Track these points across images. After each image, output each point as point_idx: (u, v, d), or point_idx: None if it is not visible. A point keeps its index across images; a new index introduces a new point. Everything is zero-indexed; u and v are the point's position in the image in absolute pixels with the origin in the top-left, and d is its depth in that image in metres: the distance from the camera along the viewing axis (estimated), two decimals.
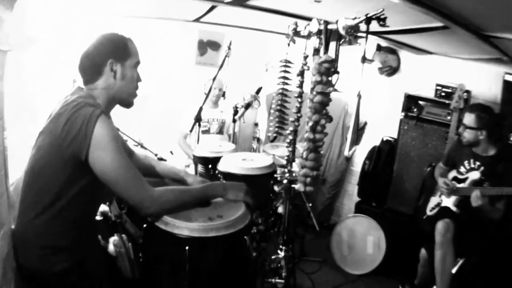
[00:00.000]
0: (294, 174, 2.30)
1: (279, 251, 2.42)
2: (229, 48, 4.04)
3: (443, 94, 4.25)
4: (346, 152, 1.73)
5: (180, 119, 5.10)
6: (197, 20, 4.93)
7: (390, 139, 4.88)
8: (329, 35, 1.88)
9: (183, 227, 1.85)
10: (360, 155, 5.37)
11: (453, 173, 3.66)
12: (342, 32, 1.70)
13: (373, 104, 5.30)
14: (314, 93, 1.79)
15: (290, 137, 2.44)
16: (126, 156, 1.88)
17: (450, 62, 4.51)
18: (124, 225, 2.50)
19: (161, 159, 3.84)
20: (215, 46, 6.29)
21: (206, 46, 6.25)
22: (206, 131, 5.16)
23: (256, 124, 6.77)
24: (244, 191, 2.20)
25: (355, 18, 1.65)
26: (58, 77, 3.17)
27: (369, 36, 4.10)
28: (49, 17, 2.97)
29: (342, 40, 1.77)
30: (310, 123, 1.81)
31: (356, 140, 1.80)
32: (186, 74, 6.05)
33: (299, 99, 2.34)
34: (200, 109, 3.90)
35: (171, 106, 5.65)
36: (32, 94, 2.71)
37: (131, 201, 1.86)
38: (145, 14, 5.02)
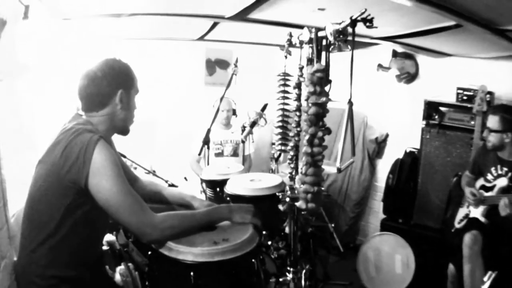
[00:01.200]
0: (296, 192, 2.34)
1: (287, 273, 2.44)
2: (235, 66, 4.10)
3: (465, 97, 4.23)
4: (338, 164, 1.76)
5: (192, 143, 5.13)
6: (201, 38, 5.03)
7: (413, 150, 4.89)
8: (320, 42, 1.93)
9: (187, 253, 1.88)
10: (383, 169, 5.40)
11: (480, 182, 3.66)
12: (331, 38, 1.75)
13: (393, 115, 5.34)
14: (309, 104, 1.84)
15: (292, 153, 2.50)
16: (127, 182, 1.93)
17: (470, 63, 4.52)
18: (130, 254, 2.57)
19: (172, 185, 3.91)
20: (223, 64, 6.38)
21: (215, 65, 6.35)
22: (220, 154, 5.21)
23: (273, 144, 6.78)
24: (252, 212, 2.23)
25: (341, 22, 1.71)
26: (58, 105, 3.26)
27: (384, 42, 4.25)
28: (42, 43, 3.06)
29: (332, 46, 1.82)
30: (307, 137, 1.86)
31: (353, 151, 1.83)
32: (195, 95, 6.14)
33: (298, 113, 2.40)
34: (208, 131, 3.95)
35: (182, 130, 5.72)
36: (31, 123, 2.81)
37: (132, 228, 1.92)
38: (145, 35, 5.13)
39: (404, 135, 5.19)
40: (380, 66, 5.19)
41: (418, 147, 4.73)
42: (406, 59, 5.04)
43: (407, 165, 4.84)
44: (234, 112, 5.28)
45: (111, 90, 2.03)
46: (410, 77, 5.06)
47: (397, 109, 5.32)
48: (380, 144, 5.50)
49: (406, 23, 3.26)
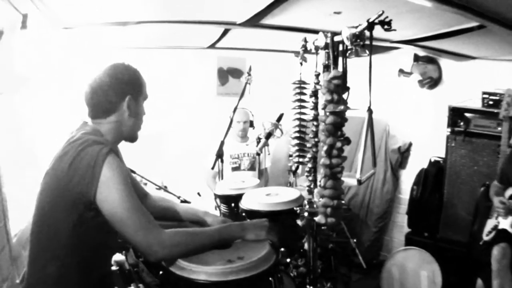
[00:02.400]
0: (315, 206, 2.31)
1: None
2: (249, 74, 4.08)
3: (490, 102, 4.21)
4: (358, 176, 1.73)
5: (206, 157, 5.02)
6: (212, 46, 5.04)
7: (439, 159, 4.85)
8: (337, 48, 1.91)
9: (200, 272, 1.86)
10: (407, 180, 5.37)
11: (510, 191, 3.60)
12: (347, 42, 1.73)
13: (416, 122, 5.31)
14: (327, 113, 1.82)
15: (309, 165, 2.47)
16: (136, 197, 1.91)
17: (496, 66, 4.50)
18: (140, 274, 2.56)
19: (184, 201, 3.89)
20: (236, 73, 6.34)
21: (227, 74, 6.31)
22: (237, 168, 5.20)
23: (290, 156, 6.74)
24: (266, 228, 2.19)
25: (358, 25, 1.69)
26: (60, 118, 3.26)
27: (405, 46, 4.23)
28: (42, 53, 3.05)
29: (349, 51, 1.79)
30: (325, 148, 1.84)
31: (374, 161, 1.80)
32: (207, 106, 6.09)
33: (315, 123, 2.37)
34: (221, 143, 3.93)
35: (194, 143, 5.67)
36: (31, 138, 2.80)
37: (139, 246, 1.89)
38: (153, 44, 5.14)
39: (428, 143, 5.16)
40: (401, 71, 5.17)
41: (443, 156, 4.70)
42: (428, 64, 5.02)
43: (432, 176, 4.81)
44: (251, 124, 5.23)
45: (118, 97, 2.03)
46: (433, 82, 5.03)
47: (420, 116, 5.29)
48: (403, 154, 5.45)
49: (426, 25, 3.25)
